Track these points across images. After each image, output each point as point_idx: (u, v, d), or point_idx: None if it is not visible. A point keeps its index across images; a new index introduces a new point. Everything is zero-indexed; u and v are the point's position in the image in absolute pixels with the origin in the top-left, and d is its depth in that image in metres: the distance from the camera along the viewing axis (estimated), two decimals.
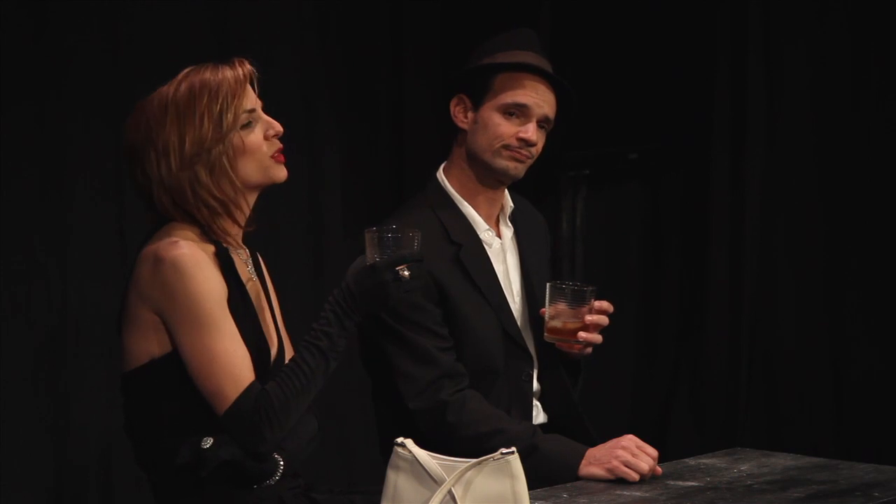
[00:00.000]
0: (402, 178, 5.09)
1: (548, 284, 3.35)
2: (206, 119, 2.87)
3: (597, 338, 3.36)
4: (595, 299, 3.33)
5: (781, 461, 3.29)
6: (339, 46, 4.97)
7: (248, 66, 2.93)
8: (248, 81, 2.92)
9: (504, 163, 3.42)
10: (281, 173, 2.96)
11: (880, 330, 5.39)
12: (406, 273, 2.85)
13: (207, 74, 2.90)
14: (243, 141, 2.91)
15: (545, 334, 3.36)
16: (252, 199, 2.98)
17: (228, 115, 2.88)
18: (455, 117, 3.47)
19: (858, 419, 5.42)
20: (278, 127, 2.96)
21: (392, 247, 2.87)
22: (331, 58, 4.92)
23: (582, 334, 3.33)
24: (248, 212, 2.98)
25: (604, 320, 3.36)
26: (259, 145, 2.92)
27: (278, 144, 2.96)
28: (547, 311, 3.34)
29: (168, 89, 2.90)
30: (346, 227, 4.92)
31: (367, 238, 2.89)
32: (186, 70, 2.93)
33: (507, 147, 3.41)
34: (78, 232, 4.34)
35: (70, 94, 4.32)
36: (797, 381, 5.48)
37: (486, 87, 3.42)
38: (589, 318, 3.32)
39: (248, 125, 2.92)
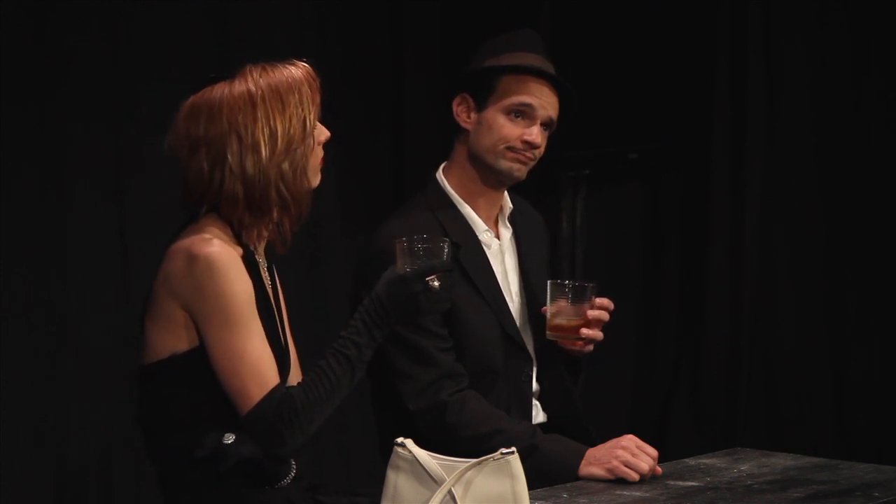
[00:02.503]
0: (402, 178, 5.09)
1: (549, 282, 3.36)
2: (294, 118, 2.91)
3: (598, 334, 3.37)
4: (596, 296, 3.34)
5: (781, 461, 3.29)
6: (339, 46, 4.97)
7: (311, 69, 2.97)
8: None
9: (507, 164, 3.42)
10: (318, 179, 3.01)
11: (880, 330, 5.40)
12: (436, 283, 2.86)
13: (286, 74, 2.93)
14: (314, 143, 2.96)
15: (547, 332, 3.36)
16: None
17: (311, 117, 2.93)
18: (458, 116, 3.46)
19: (858, 419, 5.42)
20: (328, 134, 3.00)
21: (422, 257, 2.87)
22: (331, 58, 4.92)
23: (584, 331, 3.33)
24: (266, 233, 3.00)
25: (605, 316, 3.36)
26: (318, 149, 2.98)
27: (323, 153, 3.00)
28: (549, 308, 3.35)
29: (243, 86, 2.91)
30: (346, 228, 4.92)
31: (398, 248, 2.90)
32: (250, 67, 2.95)
33: (510, 149, 3.41)
34: (78, 232, 4.34)
35: (70, 95, 4.32)
36: (797, 381, 5.48)
37: (490, 88, 3.42)
38: (591, 313, 3.33)
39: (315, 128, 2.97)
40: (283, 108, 2.90)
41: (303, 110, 2.92)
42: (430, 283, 2.86)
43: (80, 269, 4.34)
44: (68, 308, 4.32)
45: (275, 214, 2.94)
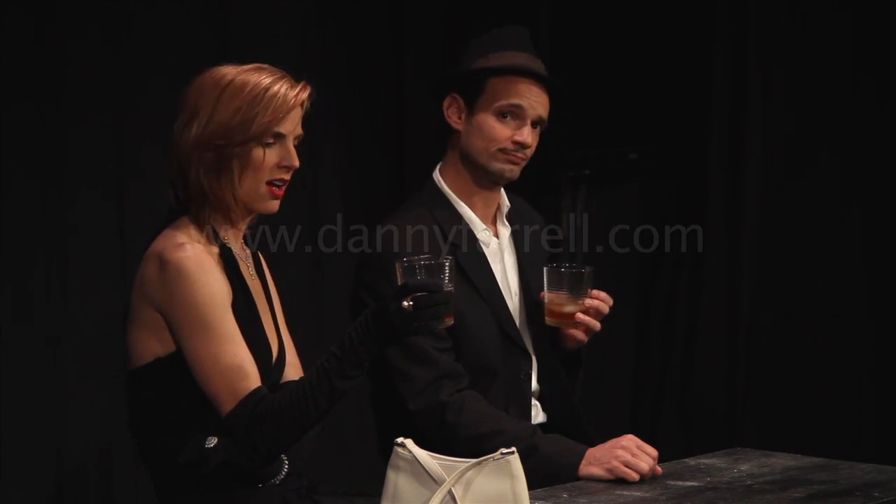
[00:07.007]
0: (402, 178, 5.09)
1: (545, 268, 3.36)
2: (239, 114, 2.87)
3: (595, 323, 3.36)
4: (594, 280, 3.34)
5: (781, 461, 3.29)
6: (339, 46, 4.97)
7: (306, 94, 2.94)
8: (300, 106, 2.92)
9: (499, 165, 3.43)
10: (270, 205, 2.95)
11: (880, 330, 5.39)
12: (405, 304, 2.75)
13: (270, 79, 2.91)
14: (253, 156, 2.89)
15: (546, 318, 3.37)
16: (244, 216, 2.97)
17: (259, 123, 2.88)
18: (449, 118, 3.46)
19: (858, 419, 5.42)
20: (294, 161, 2.94)
21: (406, 277, 2.80)
22: (331, 58, 4.92)
23: (580, 316, 3.33)
24: (241, 227, 2.98)
25: (604, 307, 3.36)
26: (263, 166, 2.91)
27: (283, 177, 2.94)
28: (546, 294, 3.35)
29: (234, 69, 2.92)
30: (346, 227, 4.92)
31: (397, 268, 2.83)
32: (260, 64, 2.95)
33: (502, 150, 3.42)
34: (78, 232, 4.34)
35: (70, 94, 4.32)
36: (797, 381, 5.48)
37: (479, 90, 3.42)
38: (588, 303, 3.34)
39: (269, 144, 2.91)
40: (233, 101, 2.87)
41: (255, 112, 2.87)
42: (402, 304, 2.76)
43: (80, 269, 4.34)
44: (68, 308, 4.32)
45: (198, 201, 2.90)
